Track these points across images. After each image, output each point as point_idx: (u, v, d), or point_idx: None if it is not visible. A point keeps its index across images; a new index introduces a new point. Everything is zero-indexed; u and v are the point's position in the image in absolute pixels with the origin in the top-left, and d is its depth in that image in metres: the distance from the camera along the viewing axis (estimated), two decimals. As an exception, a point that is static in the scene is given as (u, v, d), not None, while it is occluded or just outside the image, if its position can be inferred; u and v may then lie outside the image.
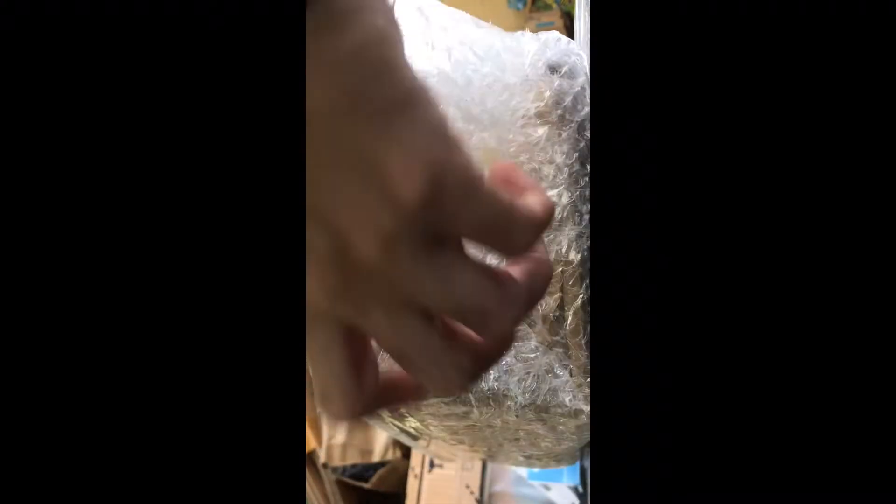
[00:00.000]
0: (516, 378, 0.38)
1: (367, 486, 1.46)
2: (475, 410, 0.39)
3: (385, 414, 0.41)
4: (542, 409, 0.39)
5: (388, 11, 0.19)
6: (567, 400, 0.38)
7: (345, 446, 1.42)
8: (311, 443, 1.46)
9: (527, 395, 0.37)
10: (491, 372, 0.38)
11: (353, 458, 1.45)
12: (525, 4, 3.08)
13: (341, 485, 1.48)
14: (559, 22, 2.90)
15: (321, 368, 0.23)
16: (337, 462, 1.44)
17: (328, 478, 1.47)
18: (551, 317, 0.37)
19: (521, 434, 0.42)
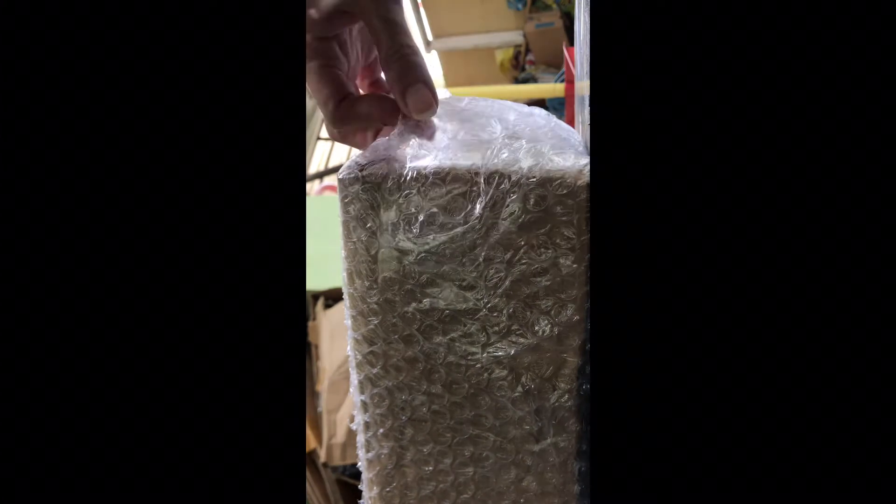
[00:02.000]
0: None
1: (367, 485, 1.45)
2: None
3: None
4: None
5: None
6: None
7: (345, 446, 1.42)
8: (311, 443, 1.47)
9: None
10: None
11: (352, 458, 1.45)
12: (525, 4, 3.08)
13: (341, 484, 1.48)
14: (559, 22, 2.91)
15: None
16: (337, 462, 1.44)
17: (328, 478, 1.48)
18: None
19: None
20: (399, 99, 0.38)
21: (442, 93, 0.44)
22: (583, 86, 0.43)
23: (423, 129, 0.40)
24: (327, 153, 3.01)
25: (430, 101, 0.38)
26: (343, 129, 0.41)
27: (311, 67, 0.39)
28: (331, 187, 2.57)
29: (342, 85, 0.40)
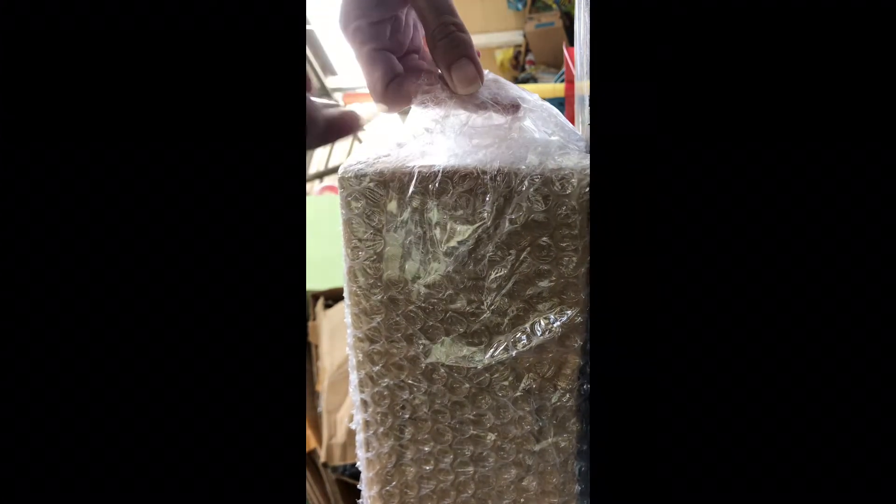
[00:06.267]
0: None
1: (366, 485, 1.45)
2: None
3: None
4: None
5: None
6: None
7: (345, 446, 1.42)
8: (311, 443, 1.47)
9: None
10: None
11: (352, 458, 1.45)
12: (525, 4, 3.08)
13: (341, 484, 1.48)
14: (559, 22, 2.91)
15: None
16: (337, 462, 1.44)
17: (328, 478, 1.48)
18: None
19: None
20: (445, 75, 0.38)
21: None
22: (583, 86, 0.43)
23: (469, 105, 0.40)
24: (328, 153, 3.01)
25: (475, 76, 0.38)
26: (392, 109, 0.42)
27: (363, 51, 0.40)
28: (331, 188, 2.57)
29: (392, 67, 0.41)
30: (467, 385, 0.41)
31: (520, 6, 3.04)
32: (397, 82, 0.40)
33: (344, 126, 0.34)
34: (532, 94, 0.41)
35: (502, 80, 0.42)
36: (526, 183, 0.36)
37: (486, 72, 0.40)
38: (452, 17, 0.38)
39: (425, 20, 0.38)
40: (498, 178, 0.37)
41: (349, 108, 0.35)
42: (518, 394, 0.41)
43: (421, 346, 0.41)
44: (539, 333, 0.39)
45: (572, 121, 0.80)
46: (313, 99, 0.32)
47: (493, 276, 0.38)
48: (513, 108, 0.39)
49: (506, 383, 0.41)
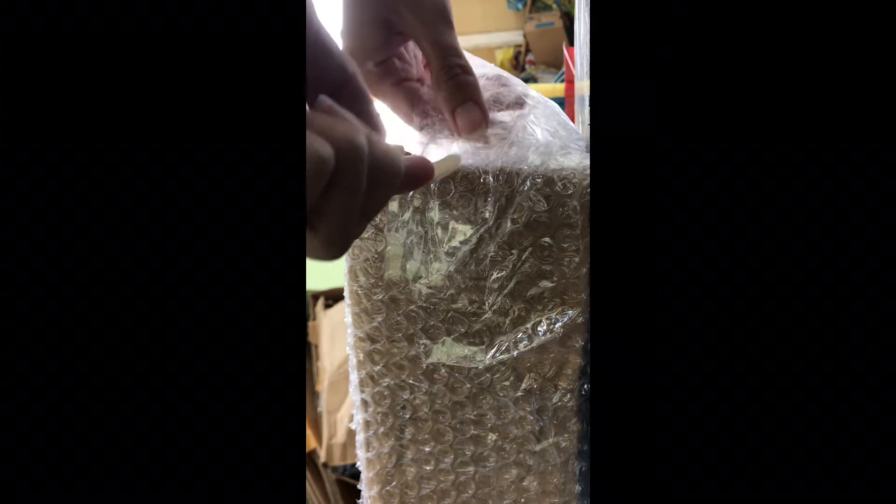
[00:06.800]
0: None
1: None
2: None
3: None
4: None
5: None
6: None
7: (345, 446, 1.43)
8: (311, 443, 1.47)
9: None
10: None
11: (352, 458, 1.45)
12: (525, 4, 3.08)
13: (341, 484, 1.48)
14: (559, 22, 2.91)
15: None
16: (337, 462, 1.44)
17: (328, 477, 1.48)
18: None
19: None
20: (449, 118, 0.38)
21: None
22: (583, 86, 0.43)
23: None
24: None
25: (480, 120, 0.38)
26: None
27: (383, 89, 0.40)
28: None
29: (414, 96, 0.41)
30: (468, 385, 0.42)
31: (520, 6, 3.05)
32: (431, 123, 0.40)
33: (419, 176, 0.32)
34: (535, 93, 0.41)
35: (506, 75, 0.41)
36: (528, 183, 0.36)
37: (489, 66, 0.40)
38: (457, 59, 0.38)
39: (430, 62, 0.38)
40: (500, 178, 0.37)
41: (419, 155, 0.35)
42: (519, 394, 0.41)
43: (422, 346, 0.41)
44: (540, 334, 0.39)
45: (572, 120, 0.80)
46: (391, 144, 0.31)
47: (494, 276, 0.38)
48: (517, 105, 0.39)
49: (507, 383, 0.41)
